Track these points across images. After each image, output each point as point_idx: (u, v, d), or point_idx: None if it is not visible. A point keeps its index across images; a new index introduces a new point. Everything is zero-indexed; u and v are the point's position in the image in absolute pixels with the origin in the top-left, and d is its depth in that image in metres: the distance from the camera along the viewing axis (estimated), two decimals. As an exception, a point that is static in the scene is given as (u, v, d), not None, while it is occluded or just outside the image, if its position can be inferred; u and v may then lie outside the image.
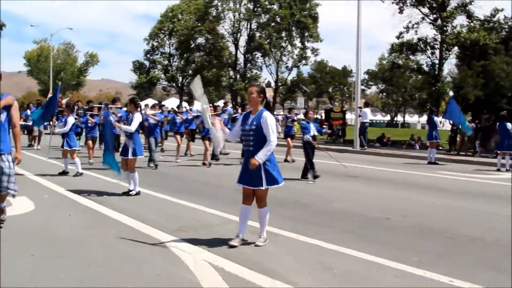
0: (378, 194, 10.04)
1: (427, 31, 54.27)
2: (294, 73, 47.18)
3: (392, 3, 29.25)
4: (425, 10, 29.18)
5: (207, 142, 14.15)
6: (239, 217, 5.81)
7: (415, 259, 5.24)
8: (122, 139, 10.17)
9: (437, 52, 29.41)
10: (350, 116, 42.98)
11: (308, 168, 11.66)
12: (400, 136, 32.93)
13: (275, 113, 25.49)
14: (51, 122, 15.95)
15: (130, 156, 9.09)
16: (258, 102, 5.66)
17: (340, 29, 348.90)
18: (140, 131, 15.03)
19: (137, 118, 9.27)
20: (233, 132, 5.98)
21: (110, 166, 9.56)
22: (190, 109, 16.96)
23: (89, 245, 5.60)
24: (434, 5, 28.77)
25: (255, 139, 5.55)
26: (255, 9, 40.51)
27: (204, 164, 14.19)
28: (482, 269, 5.04)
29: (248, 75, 42.43)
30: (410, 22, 29.37)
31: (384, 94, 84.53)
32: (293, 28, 40.20)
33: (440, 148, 21.32)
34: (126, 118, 9.62)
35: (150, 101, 33.93)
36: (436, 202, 9.08)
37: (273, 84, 43.79)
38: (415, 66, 31.19)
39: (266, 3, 39.95)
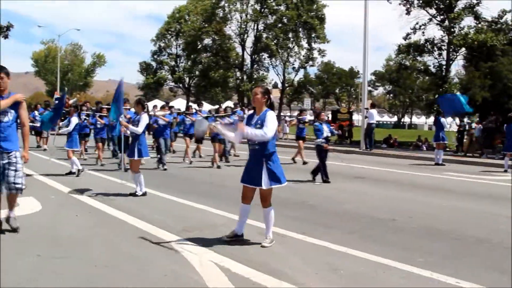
0: (385, 195, 10.02)
1: (434, 32, 54.13)
2: (301, 74, 47.06)
3: (399, 4, 29.22)
4: (432, 11, 29.13)
5: (216, 144, 14.24)
6: (239, 216, 5.90)
7: (422, 260, 5.23)
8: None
9: (444, 53, 29.30)
10: (357, 117, 42.96)
11: (321, 170, 11.54)
12: (407, 137, 32.87)
13: (282, 114, 25.46)
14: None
15: (135, 157, 9.13)
16: (262, 103, 5.71)
17: (347, 30, 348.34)
18: (150, 132, 15.13)
19: (144, 119, 9.29)
20: (238, 132, 5.99)
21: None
22: (200, 111, 16.90)
23: (95, 245, 5.62)
24: (442, 6, 28.66)
25: None
26: (262, 10, 40.51)
27: (217, 166, 14.12)
28: (488, 271, 5.01)
29: (255, 76, 42.44)
30: (417, 23, 29.36)
31: (391, 95, 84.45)
32: (300, 29, 40.14)
33: (447, 149, 21.21)
34: (134, 119, 9.64)
35: (157, 102, 33.93)
36: (442, 203, 9.04)
37: (280, 85, 43.74)
38: (422, 67, 31.11)
39: (273, 4, 39.97)
